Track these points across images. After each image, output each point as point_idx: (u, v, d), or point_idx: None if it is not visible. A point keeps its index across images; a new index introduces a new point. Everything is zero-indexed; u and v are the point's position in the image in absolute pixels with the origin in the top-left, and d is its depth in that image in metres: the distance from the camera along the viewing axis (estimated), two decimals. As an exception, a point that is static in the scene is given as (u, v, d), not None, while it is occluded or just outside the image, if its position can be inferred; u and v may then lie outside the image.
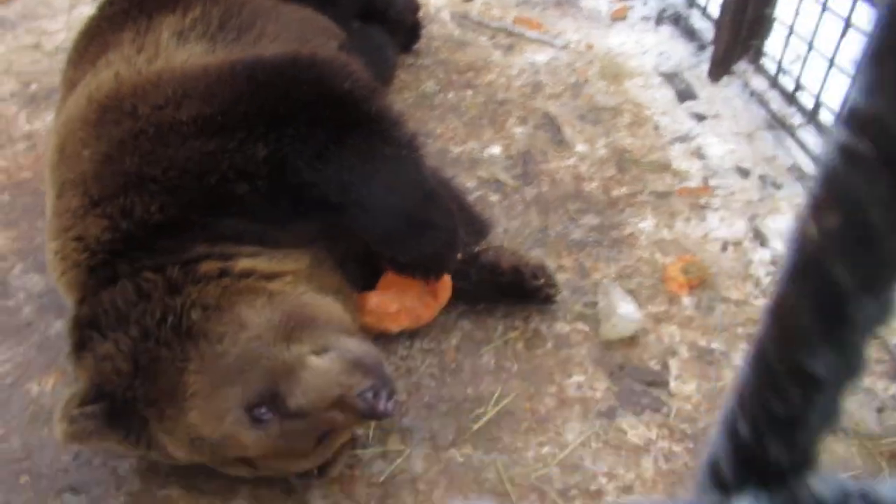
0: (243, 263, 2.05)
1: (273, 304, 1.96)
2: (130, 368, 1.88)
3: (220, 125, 2.10)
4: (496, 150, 3.38)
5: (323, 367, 1.87)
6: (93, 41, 2.67)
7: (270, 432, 1.84)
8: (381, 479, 2.19)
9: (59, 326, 2.53)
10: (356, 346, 1.96)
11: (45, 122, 3.42)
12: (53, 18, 4.31)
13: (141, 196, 2.03)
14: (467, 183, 3.16)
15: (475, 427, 2.31)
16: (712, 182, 3.23)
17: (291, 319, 1.94)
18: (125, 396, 1.88)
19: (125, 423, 1.90)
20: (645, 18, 4.45)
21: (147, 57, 2.41)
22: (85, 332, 1.96)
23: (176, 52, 2.44)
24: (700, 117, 3.61)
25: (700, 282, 2.77)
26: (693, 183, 3.23)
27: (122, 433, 1.91)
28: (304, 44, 2.68)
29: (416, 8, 4.02)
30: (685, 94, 3.78)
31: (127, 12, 2.68)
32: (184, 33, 2.53)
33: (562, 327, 2.61)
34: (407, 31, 3.95)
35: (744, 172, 3.27)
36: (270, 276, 2.08)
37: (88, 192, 2.09)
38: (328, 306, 2.08)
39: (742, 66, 3.74)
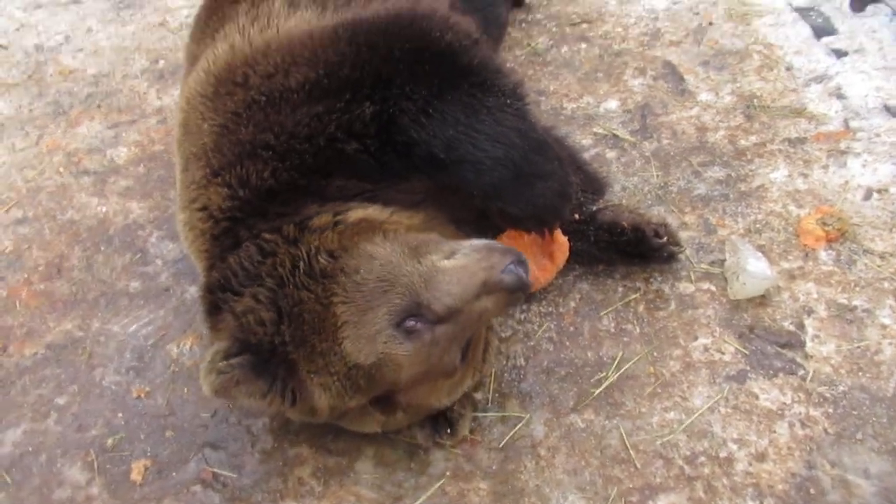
0: (356, 213, 2.09)
1: (390, 238, 2.00)
2: (274, 315, 1.94)
3: (327, 88, 2.12)
4: (612, 104, 3.24)
5: (459, 263, 1.90)
6: (212, 15, 2.75)
7: (423, 341, 1.87)
8: (502, 444, 2.20)
9: (193, 291, 2.68)
10: (480, 240, 1.99)
11: (174, 96, 3.58)
12: (176, -4, 4.49)
13: (255, 163, 2.09)
14: (583, 140, 3.06)
15: (596, 392, 2.26)
16: (854, 124, 2.97)
17: (413, 242, 1.98)
18: (273, 343, 1.93)
19: (271, 373, 1.94)
20: (775, -51, 4.09)
21: (260, 27, 2.45)
22: (217, 296, 2.05)
23: (287, 19, 2.47)
24: (840, 53, 3.30)
25: (839, 234, 2.56)
26: (831, 126, 2.98)
27: (267, 383, 1.94)
28: (413, 3, 2.65)
29: (527, -39, 3.88)
30: (822, 29, 3.47)
31: (243, -16, 2.74)
32: (295, 0, 2.56)
33: (686, 287, 2.49)
34: (517, -15, 3.83)
35: (892, 111, 2.98)
36: (383, 221, 2.10)
37: (209, 164, 2.17)
38: (440, 234, 2.10)
39: (890, -8, 3.38)
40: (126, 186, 3.15)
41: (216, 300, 2.03)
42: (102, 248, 2.89)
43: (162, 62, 3.89)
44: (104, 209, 3.05)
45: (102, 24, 4.25)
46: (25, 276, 2.81)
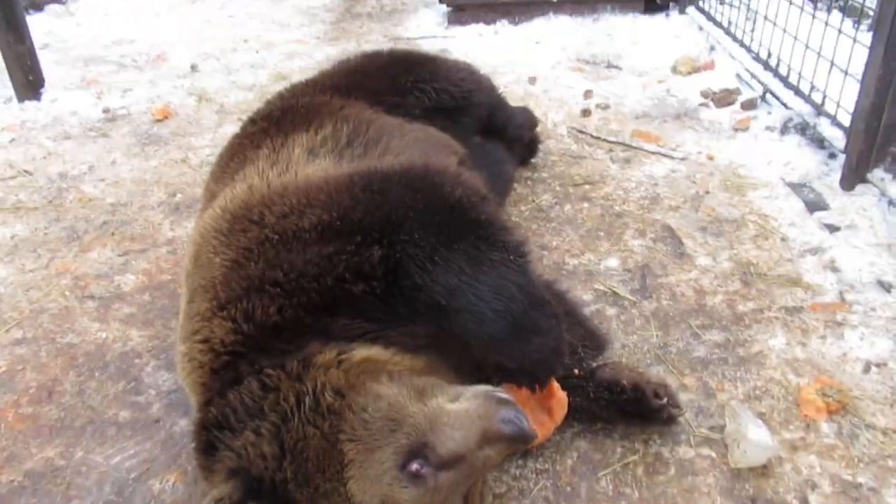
0: (360, 353, 2.09)
1: (395, 379, 2.00)
2: (277, 450, 1.88)
3: (339, 230, 2.19)
4: (613, 262, 3.33)
5: (462, 408, 1.89)
6: (234, 157, 2.89)
7: (427, 486, 1.82)
8: None
9: (183, 424, 2.63)
10: (483, 386, 2.00)
11: (186, 229, 3.68)
12: (201, 136, 4.73)
13: (262, 299, 2.12)
14: (583, 296, 3.11)
15: (592, 559, 2.15)
16: (849, 297, 3.02)
17: (418, 384, 1.98)
18: (273, 480, 1.86)
19: None
20: (769, 128, 4.37)
21: (279, 171, 2.58)
22: (212, 434, 1.99)
23: (306, 166, 2.60)
24: (833, 228, 3.43)
25: (840, 406, 2.54)
26: (827, 298, 3.03)
27: None
28: (425, 158, 2.79)
29: (534, 124, 4.14)
30: (815, 205, 3.62)
31: (266, 131, 2.90)
32: (314, 149, 2.71)
33: (686, 452, 2.44)
34: (525, 146, 4.06)
35: (885, 286, 3.05)
36: (386, 362, 2.10)
37: (216, 297, 2.20)
38: (440, 379, 2.09)
39: (878, 173, 3.57)
40: (129, 313, 3.17)
41: (211, 438, 1.98)
42: (97, 374, 2.86)
43: (179, 196, 4.03)
44: (104, 335, 3.05)
45: (126, 158, 4.44)
46: (15, 398, 2.76)
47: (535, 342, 2.16)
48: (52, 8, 7.42)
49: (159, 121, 4.96)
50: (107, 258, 3.52)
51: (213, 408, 2.02)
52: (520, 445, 1.98)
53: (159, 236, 3.69)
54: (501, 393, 1.98)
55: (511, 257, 2.22)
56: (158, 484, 2.46)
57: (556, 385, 2.34)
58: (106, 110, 5.12)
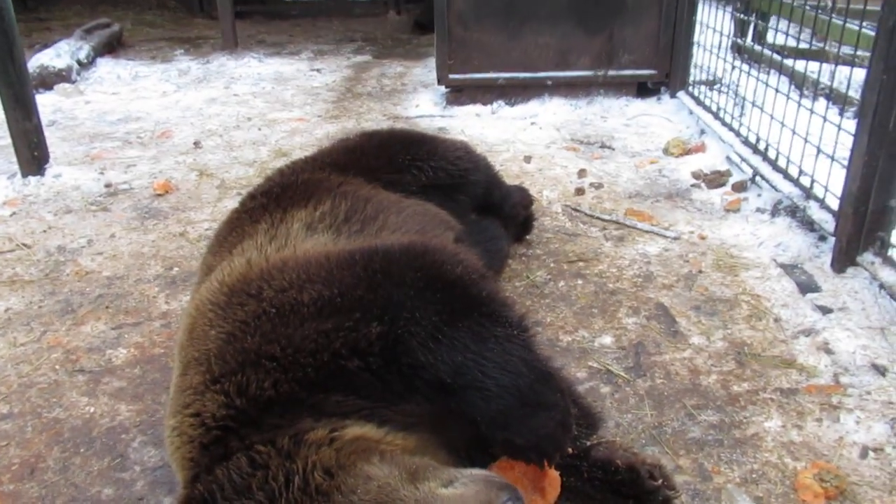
0: (352, 431, 2.06)
1: (387, 459, 1.95)
2: None
3: (339, 307, 2.20)
4: (607, 340, 3.33)
5: (456, 493, 1.81)
6: (232, 231, 2.93)
7: None
8: None
9: (167, 503, 2.56)
10: (480, 470, 1.93)
11: (181, 302, 3.69)
12: (200, 210, 4.79)
13: (257, 373, 2.11)
14: (577, 373, 3.09)
15: None
16: (844, 380, 3.01)
17: (411, 466, 1.92)
18: None
19: None
20: (760, 210, 4.45)
21: (277, 245, 2.61)
22: None
23: (304, 241, 2.64)
24: (825, 310, 3.44)
25: (838, 492, 2.49)
26: (822, 380, 3.02)
27: None
28: (422, 235, 2.83)
29: (529, 202, 4.21)
30: (807, 286, 3.65)
31: (265, 207, 2.95)
32: (312, 225, 2.75)
33: (682, 537, 2.39)
34: (520, 223, 4.12)
35: (880, 370, 3.04)
36: (379, 441, 2.07)
37: (210, 370, 2.18)
38: (433, 458, 2.04)
39: (868, 257, 3.60)
40: (118, 387, 3.14)
41: None
42: (82, 450, 2.81)
43: (176, 269, 4.06)
44: (91, 409, 3.01)
45: (126, 231, 4.49)
46: (-3, 474, 2.71)
47: (542, 416, 2.14)
48: (61, 87, 7.64)
49: (160, 195, 5.03)
50: (100, 332, 3.51)
51: (199, 484, 1.98)
52: None
53: (154, 310, 3.69)
54: (499, 478, 1.95)
55: (515, 332, 2.23)
56: (139, 566, 2.39)
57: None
58: (108, 185, 5.20)
